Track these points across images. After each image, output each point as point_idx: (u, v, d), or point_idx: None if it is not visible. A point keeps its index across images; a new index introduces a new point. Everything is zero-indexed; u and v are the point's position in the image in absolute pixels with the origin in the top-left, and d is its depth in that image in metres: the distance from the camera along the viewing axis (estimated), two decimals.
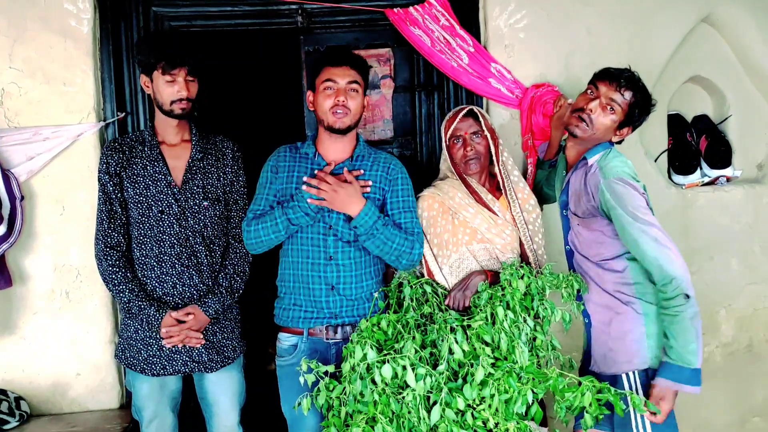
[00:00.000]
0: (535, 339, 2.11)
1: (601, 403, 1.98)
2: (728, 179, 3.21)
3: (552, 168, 2.60)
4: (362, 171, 2.31)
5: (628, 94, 2.15)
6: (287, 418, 2.33)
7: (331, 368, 2.07)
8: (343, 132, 2.28)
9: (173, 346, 2.36)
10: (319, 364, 2.08)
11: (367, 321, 2.14)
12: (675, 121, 3.28)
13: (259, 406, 2.93)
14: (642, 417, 2.08)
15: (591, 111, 2.17)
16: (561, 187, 2.36)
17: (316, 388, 2.06)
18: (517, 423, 1.92)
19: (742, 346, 3.19)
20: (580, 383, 1.95)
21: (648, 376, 2.12)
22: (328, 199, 2.20)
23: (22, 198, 2.65)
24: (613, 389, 1.96)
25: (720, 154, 3.20)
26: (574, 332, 2.36)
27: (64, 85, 2.70)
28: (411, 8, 2.81)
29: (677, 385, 2.02)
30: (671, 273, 1.99)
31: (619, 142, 2.27)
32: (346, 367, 2.04)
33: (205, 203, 2.41)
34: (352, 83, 2.26)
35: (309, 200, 2.21)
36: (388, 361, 1.95)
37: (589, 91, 2.22)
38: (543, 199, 2.65)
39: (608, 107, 2.16)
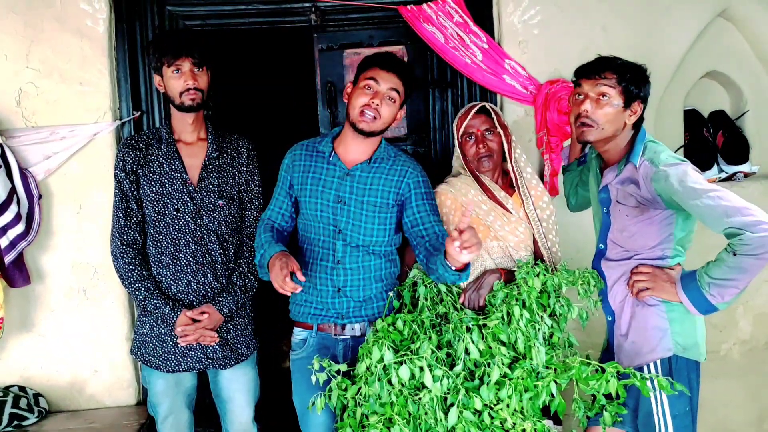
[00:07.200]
0: (552, 336, 2.10)
1: (622, 402, 1.97)
2: (745, 175, 3.17)
3: (582, 165, 2.56)
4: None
5: (612, 77, 2.10)
6: (297, 410, 2.34)
7: (343, 367, 2.05)
8: (366, 134, 2.22)
9: (188, 344, 2.38)
10: (332, 363, 2.07)
11: (383, 321, 2.12)
12: (691, 117, 3.26)
13: (274, 402, 2.94)
14: (664, 415, 2.07)
15: (587, 112, 2.12)
16: (597, 185, 2.30)
17: (328, 387, 2.05)
18: (534, 424, 1.91)
19: (760, 343, 3.16)
20: (603, 370, 1.93)
21: (671, 364, 2.10)
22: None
23: (40, 197, 2.68)
24: (638, 373, 1.94)
25: (737, 149, 3.17)
26: (590, 330, 2.35)
27: (81, 84, 2.73)
28: (424, 5, 2.80)
29: (681, 292, 2.05)
30: (747, 224, 1.88)
31: (640, 122, 2.19)
32: (361, 367, 2.02)
33: (220, 202, 2.42)
34: (392, 90, 2.20)
35: None
36: (405, 362, 1.94)
37: (576, 95, 2.18)
38: (582, 203, 2.60)
39: (600, 99, 2.11)
